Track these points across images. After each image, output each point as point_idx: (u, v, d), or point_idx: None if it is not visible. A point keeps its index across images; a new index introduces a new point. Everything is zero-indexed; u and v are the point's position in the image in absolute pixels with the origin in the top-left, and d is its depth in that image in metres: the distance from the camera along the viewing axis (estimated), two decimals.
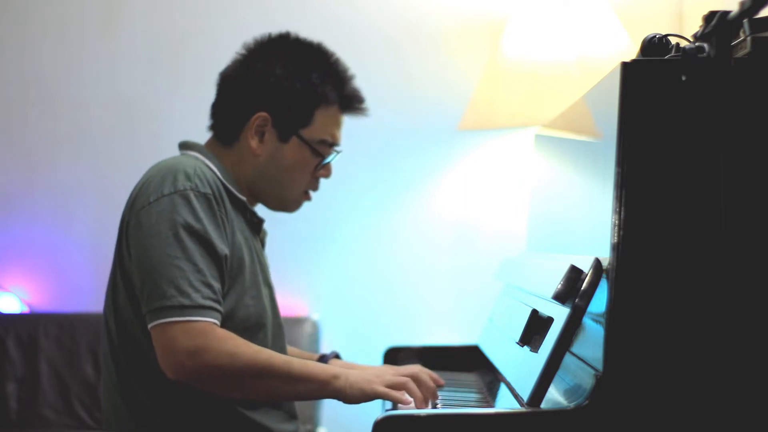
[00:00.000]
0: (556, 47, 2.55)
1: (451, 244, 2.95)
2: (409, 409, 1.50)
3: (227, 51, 2.96)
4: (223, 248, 1.65)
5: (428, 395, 1.64)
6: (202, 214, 1.64)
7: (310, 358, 2.01)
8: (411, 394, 1.60)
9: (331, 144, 1.87)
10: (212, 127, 1.88)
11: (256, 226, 1.85)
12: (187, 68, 3.03)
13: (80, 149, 3.05)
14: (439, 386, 1.85)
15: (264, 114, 1.80)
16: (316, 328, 2.86)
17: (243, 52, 1.88)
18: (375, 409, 1.62)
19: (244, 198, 1.80)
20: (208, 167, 1.75)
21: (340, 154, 1.89)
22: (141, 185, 1.72)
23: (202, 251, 1.62)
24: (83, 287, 3.02)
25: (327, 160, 1.87)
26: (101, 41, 3.04)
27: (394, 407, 1.58)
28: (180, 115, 3.00)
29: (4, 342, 2.80)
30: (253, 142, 1.81)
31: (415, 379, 1.64)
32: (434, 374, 1.85)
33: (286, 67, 1.82)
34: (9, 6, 3.07)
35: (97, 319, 2.83)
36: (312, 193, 1.91)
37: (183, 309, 1.55)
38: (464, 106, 2.79)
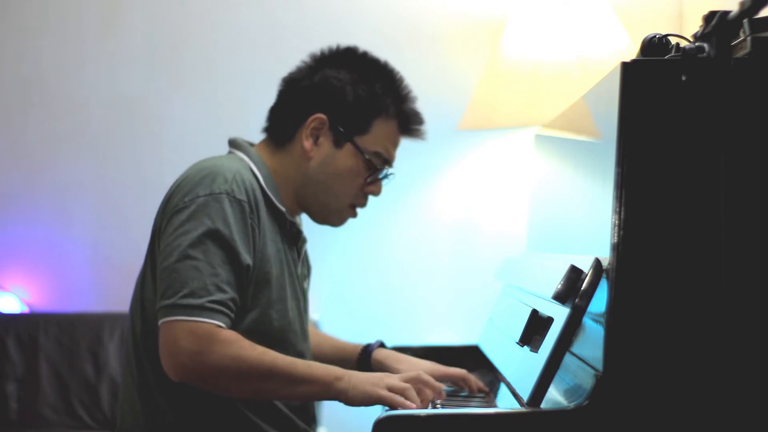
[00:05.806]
0: (556, 47, 2.55)
1: (451, 244, 2.95)
2: (409, 409, 1.50)
3: (227, 51, 3.02)
4: (246, 258, 1.64)
5: (431, 398, 1.61)
6: (232, 220, 1.63)
7: (354, 350, 2.00)
8: (411, 401, 1.55)
9: (385, 159, 1.85)
10: (267, 129, 1.87)
11: (294, 236, 1.83)
12: (187, 68, 3.02)
13: (80, 149, 3.05)
14: (482, 391, 1.84)
15: (321, 116, 1.79)
16: (315, 327, 2.86)
17: (309, 60, 1.86)
18: (375, 409, 1.61)
19: (283, 209, 1.78)
20: (252, 171, 1.73)
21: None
22: (178, 183, 1.71)
23: (224, 257, 1.61)
24: (83, 287, 3.02)
25: (379, 176, 1.86)
26: (101, 41, 3.04)
27: (394, 407, 1.58)
28: (180, 115, 3.00)
29: (4, 342, 2.80)
30: (308, 144, 1.79)
31: (419, 382, 1.61)
32: (479, 382, 1.86)
33: (351, 73, 1.81)
34: (9, 6, 3.07)
35: (97, 319, 2.87)
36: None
37: (191, 309, 1.55)
38: (464, 106, 2.79)
